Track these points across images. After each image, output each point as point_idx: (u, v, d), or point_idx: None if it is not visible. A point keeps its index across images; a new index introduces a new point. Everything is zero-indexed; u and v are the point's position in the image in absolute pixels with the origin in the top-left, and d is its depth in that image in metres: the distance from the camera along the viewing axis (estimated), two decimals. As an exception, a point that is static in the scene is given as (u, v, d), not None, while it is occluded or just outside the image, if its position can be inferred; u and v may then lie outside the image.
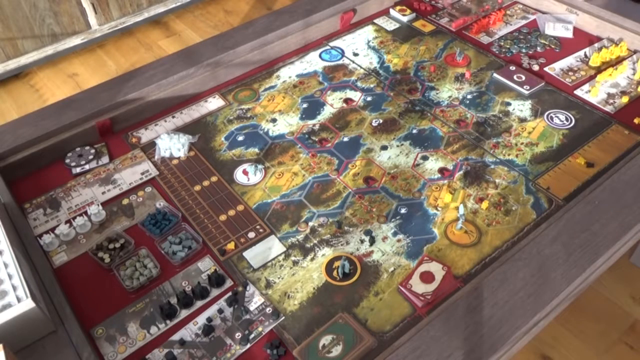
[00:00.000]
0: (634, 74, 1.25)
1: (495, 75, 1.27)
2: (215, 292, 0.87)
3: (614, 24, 1.34)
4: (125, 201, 1.02)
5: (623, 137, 1.11)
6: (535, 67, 1.29)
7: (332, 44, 1.40)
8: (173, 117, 1.20)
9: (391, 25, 1.46)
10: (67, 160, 1.09)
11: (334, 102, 1.23)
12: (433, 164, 1.07)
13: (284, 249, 0.93)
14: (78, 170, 1.08)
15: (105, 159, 1.10)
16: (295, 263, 0.91)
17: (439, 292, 0.86)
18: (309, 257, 0.92)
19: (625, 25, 1.32)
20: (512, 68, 1.28)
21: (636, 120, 1.14)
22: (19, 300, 0.74)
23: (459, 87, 1.25)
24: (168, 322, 0.83)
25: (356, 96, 1.24)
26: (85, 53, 2.33)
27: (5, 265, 0.79)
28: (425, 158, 1.09)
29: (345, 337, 0.81)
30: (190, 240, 0.94)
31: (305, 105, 1.22)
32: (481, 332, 0.76)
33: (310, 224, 0.97)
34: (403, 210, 0.99)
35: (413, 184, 1.04)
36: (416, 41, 1.40)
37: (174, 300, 0.86)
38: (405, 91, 1.25)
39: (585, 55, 1.32)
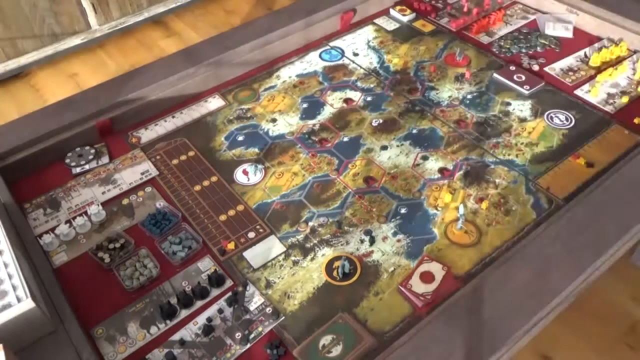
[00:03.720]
0: (634, 74, 1.25)
1: (495, 75, 1.27)
2: (215, 292, 0.87)
3: (614, 24, 1.34)
4: (125, 201, 1.02)
5: (623, 137, 1.11)
6: (535, 67, 1.29)
7: (332, 44, 1.40)
8: (173, 117, 1.20)
9: (391, 25, 1.46)
10: (67, 160, 1.09)
11: (334, 102, 1.23)
12: (433, 164, 1.07)
13: (284, 249, 0.93)
14: (78, 170, 1.08)
15: (105, 159, 1.10)
16: (295, 263, 0.91)
17: (439, 292, 0.86)
18: (309, 257, 0.92)
19: (625, 25, 1.32)
20: (512, 68, 1.28)
21: (636, 120, 1.14)
22: (19, 300, 0.74)
23: (459, 87, 1.25)
24: (168, 322, 0.83)
25: (356, 96, 1.24)
26: (85, 53, 2.33)
27: (5, 265, 0.79)
28: (425, 158, 1.09)
29: (345, 337, 0.81)
30: (190, 240, 0.94)
31: (305, 105, 1.22)
32: (481, 332, 0.76)
33: (310, 224, 0.97)
34: (403, 210, 0.99)
35: (413, 184, 1.04)
36: (416, 41, 1.40)
37: (174, 300, 0.86)
38: (405, 91, 1.25)
39: (585, 55, 1.32)
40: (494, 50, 1.35)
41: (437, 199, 1.01)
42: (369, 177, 1.06)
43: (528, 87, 1.22)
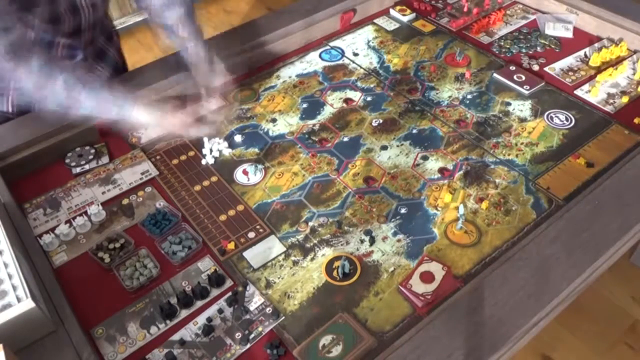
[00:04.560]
0: (634, 74, 1.25)
1: (495, 75, 1.27)
2: (215, 292, 0.87)
3: (614, 24, 1.34)
4: (125, 201, 1.02)
5: (623, 137, 1.11)
6: (535, 67, 1.29)
7: (332, 44, 1.40)
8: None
9: (391, 25, 1.46)
10: (67, 160, 1.09)
11: (334, 102, 1.23)
12: (433, 164, 1.07)
13: (284, 249, 0.93)
14: (78, 170, 1.08)
15: (105, 159, 1.10)
16: (295, 263, 0.91)
17: (439, 292, 0.86)
18: (309, 257, 0.92)
19: (625, 25, 1.32)
20: (512, 68, 1.28)
21: (636, 120, 1.14)
22: (19, 300, 0.74)
23: (459, 87, 1.25)
24: (168, 322, 0.83)
25: (356, 96, 1.24)
26: (85, 53, 2.32)
27: (5, 265, 0.79)
28: (425, 158, 1.09)
29: (345, 337, 0.81)
30: (190, 240, 0.94)
31: (305, 105, 1.22)
32: (481, 332, 0.76)
33: (310, 224, 0.97)
34: (403, 210, 0.99)
35: (413, 184, 1.04)
36: (416, 41, 1.40)
37: (174, 300, 0.86)
38: (405, 91, 1.25)
39: (585, 55, 1.32)
40: (494, 50, 1.35)
41: (437, 199, 1.01)
42: (369, 177, 1.06)
43: (528, 87, 1.22)
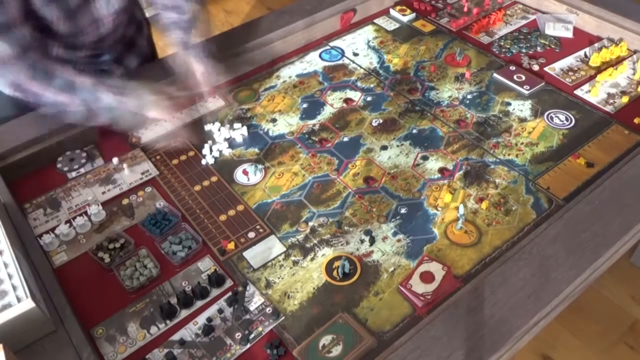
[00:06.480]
0: (634, 74, 1.25)
1: (495, 75, 1.27)
2: (215, 292, 0.87)
3: (614, 24, 1.34)
4: (125, 201, 1.02)
5: (623, 137, 1.11)
6: (535, 67, 1.29)
7: (332, 44, 1.40)
8: (173, 117, 1.20)
9: (391, 25, 1.46)
10: (59, 165, 1.08)
11: (334, 102, 1.23)
12: (433, 164, 1.07)
13: (284, 249, 0.93)
14: (74, 174, 1.07)
15: (99, 161, 1.09)
16: (295, 263, 0.91)
17: (439, 292, 0.86)
18: (309, 257, 0.92)
19: (625, 25, 1.32)
20: (512, 68, 1.28)
21: (636, 120, 1.14)
22: (19, 300, 0.74)
23: (459, 87, 1.25)
24: (168, 322, 0.83)
25: (356, 96, 1.24)
26: (85, 53, 2.32)
27: (5, 265, 0.79)
28: (425, 158, 1.09)
29: (345, 337, 0.81)
30: (190, 240, 0.94)
31: (305, 105, 1.22)
32: (481, 332, 0.76)
33: (310, 224, 0.97)
34: (403, 210, 0.99)
35: (413, 184, 1.04)
36: (416, 41, 1.40)
37: (174, 300, 0.86)
38: (405, 91, 1.25)
39: (585, 55, 1.32)
40: (494, 50, 1.35)
41: (437, 199, 1.01)
42: (369, 177, 1.06)
43: (528, 87, 1.22)
